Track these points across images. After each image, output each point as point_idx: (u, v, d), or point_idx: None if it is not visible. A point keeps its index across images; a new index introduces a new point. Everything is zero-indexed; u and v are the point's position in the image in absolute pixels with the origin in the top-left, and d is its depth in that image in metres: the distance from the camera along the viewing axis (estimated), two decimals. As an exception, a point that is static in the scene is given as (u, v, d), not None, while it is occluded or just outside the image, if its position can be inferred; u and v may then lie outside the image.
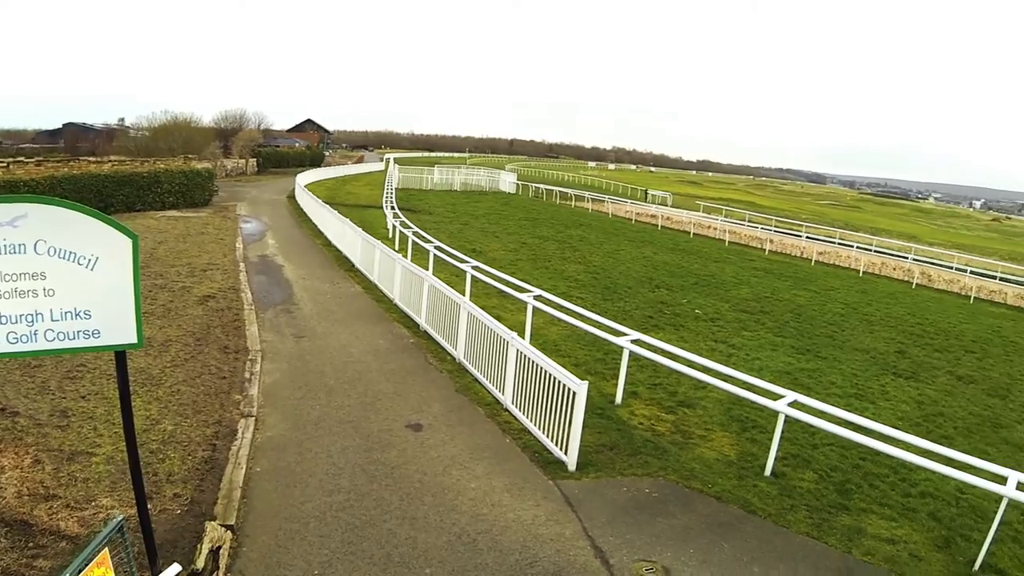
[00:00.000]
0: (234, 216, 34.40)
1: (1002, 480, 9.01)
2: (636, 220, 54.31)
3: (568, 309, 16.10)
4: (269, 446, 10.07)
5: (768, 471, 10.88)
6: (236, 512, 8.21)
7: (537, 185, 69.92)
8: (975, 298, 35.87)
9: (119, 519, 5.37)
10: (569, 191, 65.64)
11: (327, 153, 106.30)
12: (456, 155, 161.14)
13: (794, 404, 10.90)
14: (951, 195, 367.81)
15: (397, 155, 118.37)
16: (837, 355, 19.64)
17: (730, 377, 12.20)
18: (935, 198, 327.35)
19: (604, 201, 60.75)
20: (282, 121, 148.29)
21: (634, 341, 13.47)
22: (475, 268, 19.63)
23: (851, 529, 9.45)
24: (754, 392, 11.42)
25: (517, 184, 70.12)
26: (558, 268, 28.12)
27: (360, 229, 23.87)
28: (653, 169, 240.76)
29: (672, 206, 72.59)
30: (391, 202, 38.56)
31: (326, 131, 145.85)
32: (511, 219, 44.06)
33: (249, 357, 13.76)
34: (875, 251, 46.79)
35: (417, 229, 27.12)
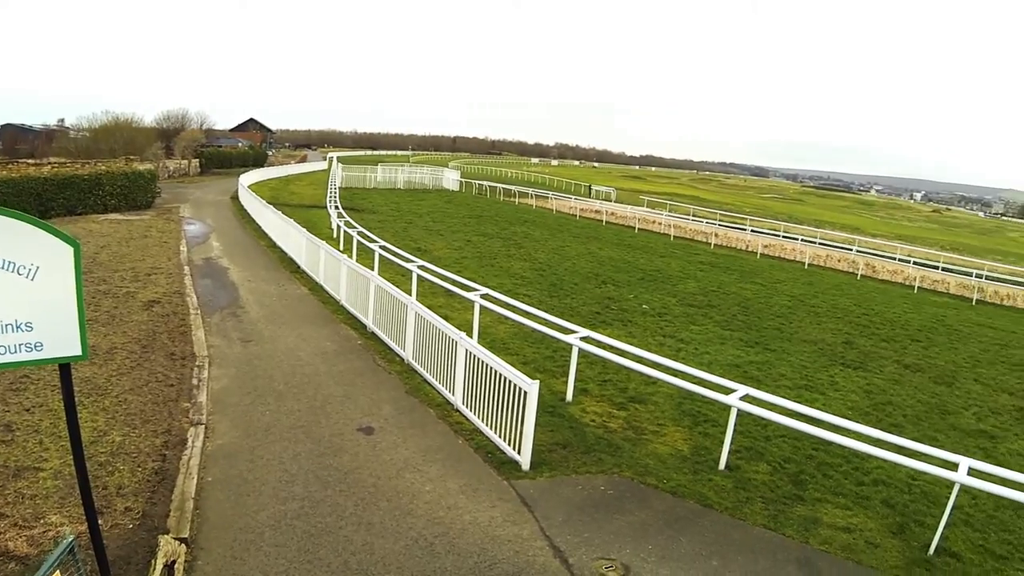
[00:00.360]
0: (178, 218, 33.85)
1: (953, 466, 9.25)
2: (581, 216, 54.66)
3: (515, 307, 16.07)
4: (220, 454, 9.85)
5: (722, 465, 10.99)
6: (189, 524, 8.01)
7: (481, 182, 70.09)
8: (919, 288, 36.93)
9: (70, 540, 5.20)
10: (513, 188, 65.96)
11: (270, 153, 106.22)
12: (399, 153, 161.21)
13: (746, 398, 11.03)
14: (892, 187, 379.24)
15: (340, 154, 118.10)
16: (785, 347, 19.97)
17: (681, 372, 12.29)
18: (876, 190, 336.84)
19: (548, 197, 61.11)
20: (225, 121, 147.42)
21: (583, 338, 13.49)
22: (421, 267, 19.50)
23: (807, 519, 9.59)
24: (706, 387, 11.53)
25: (460, 182, 70.24)
26: (504, 266, 28.10)
27: (304, 230, 23.55)
28: (596, 165, 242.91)
29: (616, 201, 73.15)
30: (335, 202, 38.15)
31: (269, 130, 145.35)
32: (455, 217, 43.97)
33: (196, 363, 13.47)
34: (820, 244, 47.89)
35: (362, 229, 26.85)
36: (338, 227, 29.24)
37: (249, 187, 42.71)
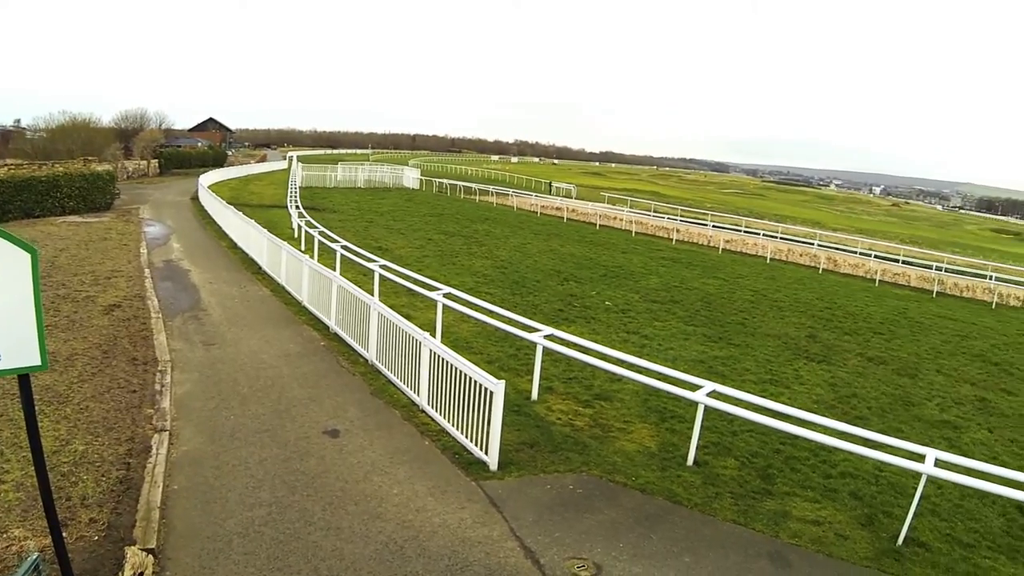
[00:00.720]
0: (137, 220, 33.35)
1: (920, 458, 9.41)
2: (542, 213, 54.81)
3: (478, 306, 16.01)
4: (185, 461, 9.67)
5: (690, 461, 11.06)
6: (156, 534, 7.85)
7: (441, 180, 69.92)
8: (880, 281, 37.67)
9: (35, 557, 5.09)
10: (473, 186, 65.89)
11: (230, 152, 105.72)
12: (359, 152, 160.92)
13: (713, 394, 11.09)
14: (852, 182, 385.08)
15: (300, 153, 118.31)
16: (749, 342, 20.18)
17: (646, 370, 12.32)
18: (836, 184, 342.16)
19: (509, 195, 61.09)
20: (184, 120, 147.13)
21: (547, 336, 13.48)
22: (383, 267, 19.35)
23: (776, 513, 9.69)
24: (672, 384, 11.57)
25: (421, 180, 70.20)
26: (466, 264, 28.04)
27: (265, 230, 23.27)
28: (556, 161, 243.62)
29: (577, 198, 73.44)
30: (295, 201, 37.83)
31: (228, 130, 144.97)
32: (416, 215, 43.83)
33: (159, 368, 13.22)
34: (781, 238, 48.46)
35: (323, 228, 26.60)
36: (299, 227, 28.95)
37: (209, 187, 42.26)
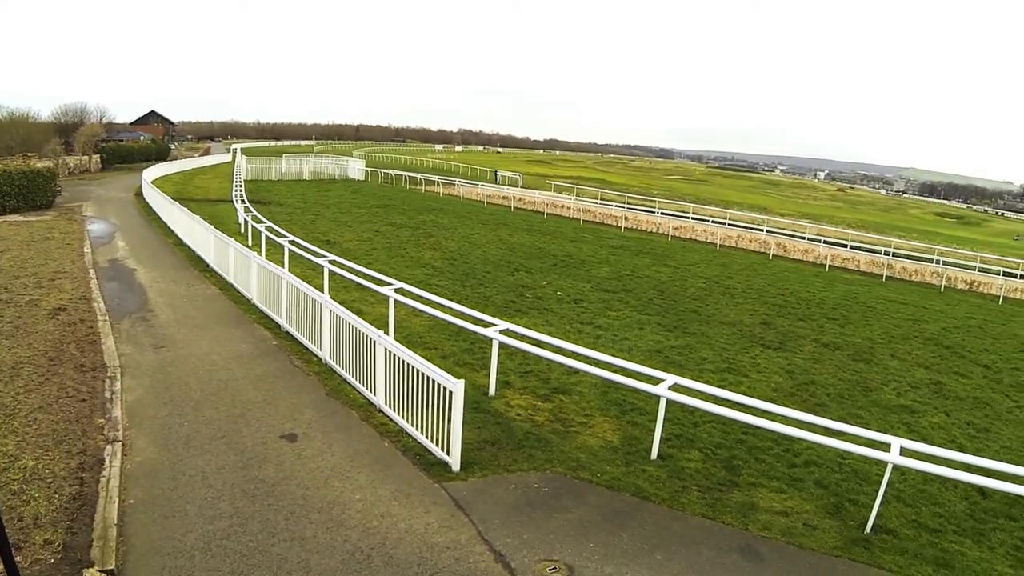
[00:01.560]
0: (80, 218, 32.48)
1: (886, 447, 9.47)
2: (488, 202, 54.69)
3: (431, 301, 15.77)
4: (140, 473, 9.31)
5: (654, 454, 11.02)
6: (115, 554, 7.51)
7: (387, 171, 69.43)
8: (830, 266, 38.21)
9: None
10: (419, 176, 65.62)
11: (173, 146, 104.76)
12: (303, 143, 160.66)
13: (674, 387, 11.04)
14: (796, 167, 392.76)
15: (244, 145, 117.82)
16: (705, 330, 20.30)
17: (606, 363, 12.22)
18: (781, 170, 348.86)
19: (455, 185, 60.76)
20: (125, 114, 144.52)
21: (503, 331, 13.32)
22: (332, 262, 19.00)
23: (744, 505, 9.70)
24: (633, 378, 11.50)
25: (366, 171, 69.71)
26: (414, 256, 27.77)
27: (212, 227, 22.70)
28: (500, 150, 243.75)
29: (523, 187, 73.42)
30: (241, 195, 37.21)
31: (171, 123, 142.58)
32: (363, 207, 43.44)
33: (108, 374, 12.74)
34: (730, 224, 48.96)
35: (270, 223, 26.09)
36: (245, 222, 28.40)
37: (153, 182, 41.41)
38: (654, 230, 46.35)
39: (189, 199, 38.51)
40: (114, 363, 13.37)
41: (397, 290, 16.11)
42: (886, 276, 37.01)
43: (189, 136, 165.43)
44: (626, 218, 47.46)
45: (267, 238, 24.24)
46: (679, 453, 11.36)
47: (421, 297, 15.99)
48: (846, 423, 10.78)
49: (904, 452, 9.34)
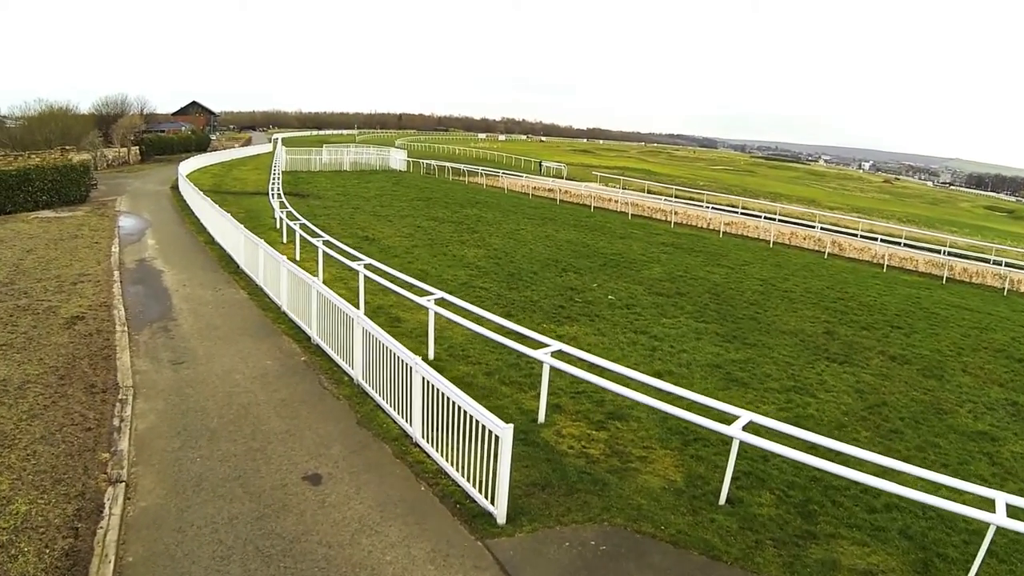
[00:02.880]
0: (113, 213, 31.99)
1: (988, 504, 8.19)
2: (534, 195, 53.41)
3: (474, 315, 14.64)
4: (143, 523, 8.33)
5: (723, 499, 9.82)
6: None
7: (429, 162, 68.48)
8: (887, 266, 36.30)
9: None
10: (462, 167, 64.47)
11: (213, 137, 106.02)
12: (345, 132, 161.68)
13: (749, 427, 9.77)
14: (841, 157, 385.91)
15: (285, 135, 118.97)
16: (765, 340, 18.98)
17: (669, 395, 10.95)
18: (825, 160, 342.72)
19: (499, 176, 59.49)
20: (167, 105, 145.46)
21: (554, 354, 12.12)
22: (368, 267, 17.99)
23: (824, 564, 8.55)
24: (701, 414, 10.18)
25: (408, 161, 68.79)
26: (457, 254, 26.74)
27: (242, 226, 21.88)
28: (544, 139, 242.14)
29: (568, 178, 72.05)
30: (277, 189, 36.41)
31: (212, 113, 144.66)
32: (404, 200, 42.57)
33: (120, 396, 11.80)
34: (781, 220, 47.20)
35: (304, 221, 25.26)
36: (280, 219, 27.53)
37: (189, 175, 41.11)
38: (704, 225, 44.60)
39: (226, 192, 38.18)
40: (127, 383, 12.43)
41: (438, 301, 15.00)
42: (946, 277, 35.06)
43: (231, 126, 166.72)
44: (675, 212, 45.69)
45: (301, 237, 23.32)
46: (750, 496, 10.13)
47: (464, 311, 14.88)
48: (926, 454, 9.59)
49: (1012, 513, 8.04)
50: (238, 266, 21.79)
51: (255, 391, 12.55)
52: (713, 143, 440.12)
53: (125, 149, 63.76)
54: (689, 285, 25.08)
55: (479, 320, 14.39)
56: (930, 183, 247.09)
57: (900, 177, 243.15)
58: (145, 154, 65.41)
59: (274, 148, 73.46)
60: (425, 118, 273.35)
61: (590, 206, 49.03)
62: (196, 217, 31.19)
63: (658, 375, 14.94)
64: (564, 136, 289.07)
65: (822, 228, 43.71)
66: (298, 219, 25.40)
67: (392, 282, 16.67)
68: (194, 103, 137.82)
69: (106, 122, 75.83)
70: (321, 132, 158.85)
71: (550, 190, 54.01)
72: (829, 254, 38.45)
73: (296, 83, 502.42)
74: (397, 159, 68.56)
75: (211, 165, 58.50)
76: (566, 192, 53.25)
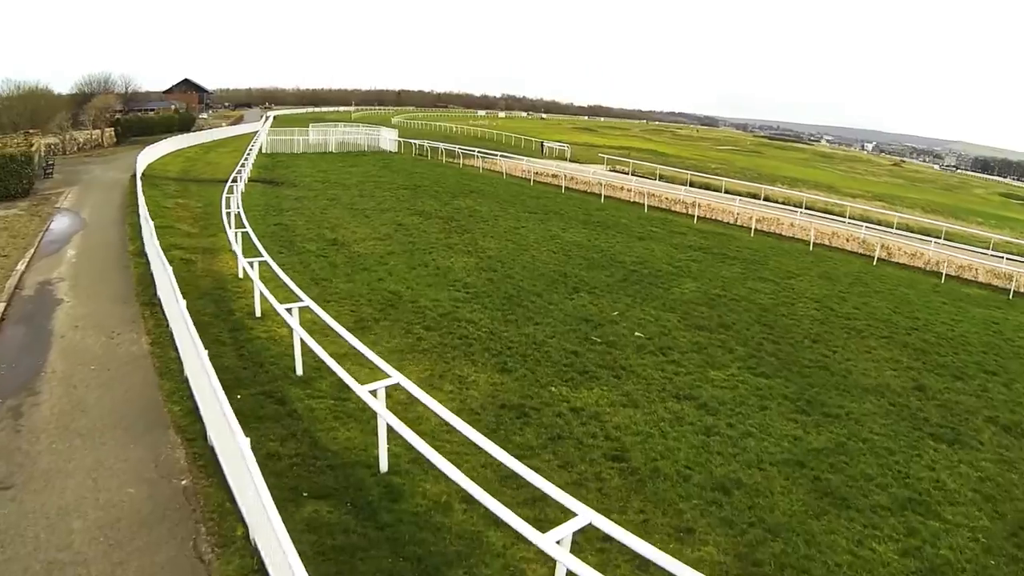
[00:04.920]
0: (48, 212, 26.81)
1: None
2: (536, 181, 47.80)
3: (453, 432, 9.07)
4: None
5: None
6: None
7: (421, 142, 62.77)
8: (946, 275, 30.75)
9: None
10: (456, 148, 58.40)
11: (204, 115, 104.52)
12: (342, 109, 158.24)
13: None
14: (842, 137, 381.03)
15: (280, 112, 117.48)
16: (847, 406, 13.98)
17: None
18: (827, 140, 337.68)
19: (496, 159, 53.75)
20: (159, 83, 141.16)
21: (587, 527, 6.77)
22: (307, 318, 12.88)
23: None
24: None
25: (399, 142, 63.62)
26: (442, 264, 21.62)
27: (156, 241, 16.85)
28: (545, 116, 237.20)
29: (572, 159, 66.67)
30: (242, 178, 31.55)
31: (205, 91, 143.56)
32: (388, 188, 37.46)
33: None
34: (818, 214, 41.40)
35: (249, 229, 19.93)
36: (230, 216, 22.33)
37: (160, 160, 37.87)
38: (731, 220, 39.03)
39: (194, 179, 33.49)
40: None
41: (392, 388, 9.75)
42: (1013, 291, 29.56)
43: (227, 103, 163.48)
44: (697, 204, 40.00)
45: (251, 246, 18.16)
46: None
47: (438, 419, 9.39)
48: None
49: None
50: (156, 291, 16.53)
51: (90, 563, 7.27)
52: (714, 121, 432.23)
53: (98, 131, 58.74)
54: (733, 311, 19.91)
55: (460, 453, 9.50)
56: (936, 166, 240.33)
57: (905, 160, 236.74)
58: (121, 136, 60.49)
59: (264, 126, 68.92)
60: (424, 95, 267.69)
61: (600, 195, 43.47)
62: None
63: (722, 488, 10.06)
64: (565, 113, 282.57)
65: (866, 228, 37.74)
66: (244, 226, 20.19)
67: (333, 359, 10.78)
68: (186, 80, 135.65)
69: (86, 102, 71.49)
70: (318, 109, 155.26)
71: (554, 176, 48.11)
72: (878, 259, 32.82)
73: (295, 60, 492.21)
74: (388, 139, 63.21)
75: (188, 148, 54.14)
76: (572, 178, 47.49)
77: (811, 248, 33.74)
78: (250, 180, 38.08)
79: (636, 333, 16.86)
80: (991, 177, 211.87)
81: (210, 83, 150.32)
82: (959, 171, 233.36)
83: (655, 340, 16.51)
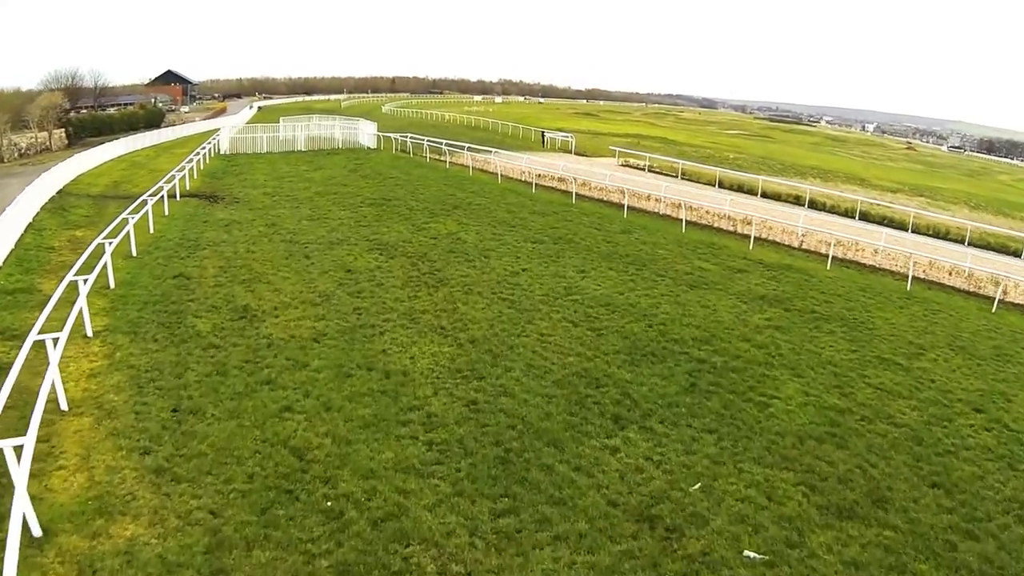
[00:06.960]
0: None
1: None
2: (538, 186, 38.46)
3: None
4: None
5: None
6: None
7: (404, 136, 52.90)
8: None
9: None
10: (443, 143, 47.49)
11: (185, 108, 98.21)
12: (333, 98, 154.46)
13: None
14: (841, 119, 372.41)
15: (267, 103, 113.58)
16: None
17: None
18: (827, 121, 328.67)
19: (490, 156, 44.61)
20: (145, 76, 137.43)
21: None
22: None
23: None
24: None
25: (378, 136, 54.50)
26: (397, 364, 13.43)
27: None
28: (542, 100, 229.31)
29: (578, 152, 58.14)
30: (166, 193, 24.08)
31: (189, 82, 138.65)
32: (350, 204, 29.03)
33: None
34: (880, 222, 32.75)
35: (112, 283, 11.80)
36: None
37: (97, 167, 34.26)
38: (795, 244, 29.60)
39: (122, 195, 28.05)
40: None
41: None
42: None
43: (216, 95, 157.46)
44: (749, 222, 30.19)
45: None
46: None
47: None
48: None
49: None
50: None
51: None
52: (712, 103, 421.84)
53: (44, 133, 52.28)
54: (876, 452, 11.57)
55: None
56: (943, 147, 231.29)
57: (912, 142, 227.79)
58: (74, 137, 54.30)
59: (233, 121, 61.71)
60: (419, 81, 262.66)
61: (621, 205, 33.90)
62: None
63: None
64: (562, 97, 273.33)
65: (971, 257, 28.02)
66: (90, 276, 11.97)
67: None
68: (169, 72, 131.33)
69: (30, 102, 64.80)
70: (310, 98, 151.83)
71: (560, 180, 39.22)
72: (1000, 303, 23.16)
73: (287, 49, 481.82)
74: (367, 134, 54.49)
75: (140, 150, 47.45)
76: (583, 184, 37.92)
77: (907, 288, 24.20)
78: (186, 195, 29.87)
79: (745, 553, 8.64)
80: (1003, 159, 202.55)
81: (199, 74, 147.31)
82: (966, 152, 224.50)
83: (775, 566, 8.29)
